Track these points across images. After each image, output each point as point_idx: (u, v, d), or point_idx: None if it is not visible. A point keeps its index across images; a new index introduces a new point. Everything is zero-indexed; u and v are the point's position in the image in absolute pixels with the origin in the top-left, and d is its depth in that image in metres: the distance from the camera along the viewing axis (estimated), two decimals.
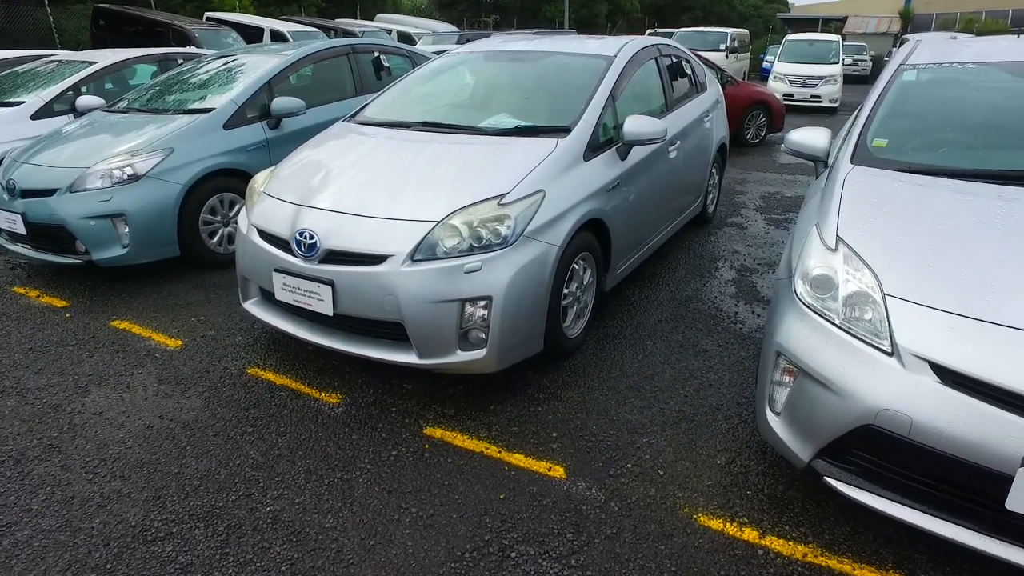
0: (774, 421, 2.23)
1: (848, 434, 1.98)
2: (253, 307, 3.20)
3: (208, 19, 14.94)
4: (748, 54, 17.73)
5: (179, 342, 3.47)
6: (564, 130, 3.22)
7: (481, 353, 2.72)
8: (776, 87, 13.27)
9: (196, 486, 2.37)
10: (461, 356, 2.71)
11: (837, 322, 2.07)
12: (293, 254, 2.86)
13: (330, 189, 2.98)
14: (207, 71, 5.06)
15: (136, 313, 3.83)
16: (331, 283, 2.74)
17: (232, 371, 3.17)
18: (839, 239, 2.25)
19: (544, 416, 2.82)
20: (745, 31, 17.91)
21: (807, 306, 2.16)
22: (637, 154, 3.60)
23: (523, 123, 3.37)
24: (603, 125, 3.41)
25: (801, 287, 2.22)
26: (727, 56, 14.93)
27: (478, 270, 2.64)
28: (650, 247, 4.08)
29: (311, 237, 2.80)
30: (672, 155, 4.12)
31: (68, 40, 15.35)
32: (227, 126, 4.44)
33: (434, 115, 3.64)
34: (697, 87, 5.01)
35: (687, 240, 5.11)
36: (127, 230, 3.96)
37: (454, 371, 2.85)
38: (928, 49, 3.46)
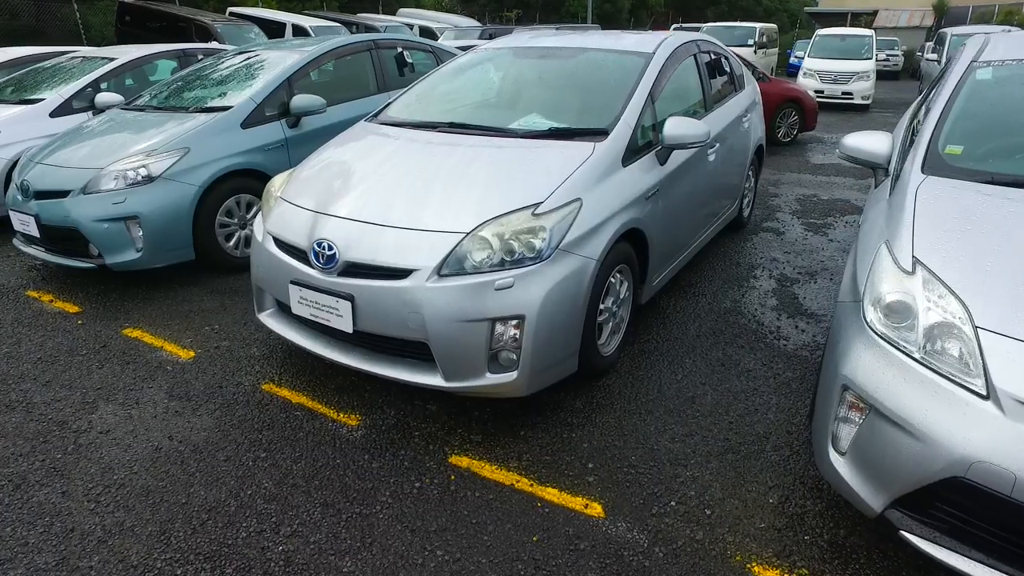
0: (838, 461, 1.98)
1: (932, 486, 1.73)
2: (268, 319, 3.02)
3: (231, 14, 14.85)
4: (776, 50, 17.25)
5: (192, 353, 3.30)
6: (601, 133, 2.98)
7: (511, 376, 2.50)
8: (806, 83, 12.83)
9: (204, 520, 2.19)
10: (490, 379, 2.50)
11: (917, 356, 1.82)
12: (311, 265, 2.67)
13: (351, 196, 2.77)
14: (226, 68, 4.88)
15: (149, 320, 3.67)
16: (351, 298, 2.54)
17: (246, 387, 2.99)
18: (916, 261, 1.99)
19: (578, 444, 2.60)
20: (773, 26, 17.42)
21: (880, 336, 1.91)
22: (677, 158, 3.35)
23: (557, 125, 3.14)
24: (642, 127, 3.16)
25: (872, 314, 1.97)
26: (755, 52, 14.50)
27: (510, 287, 2.42)
28: (687, 255, 3.83)
29: (330, 248, 2.61)
30: (711, 158, 3.86)
31: (94, 36, 15.36)
32: (245, 125, 4.26)
33: (461, 115, 3.42)
34: (735, 85, 4.73)
35: (722, 246, 4.85)
36: (140, 233, 3.80)
37: (482, 394, 2.64)
38: (1002, 44, 3.16)
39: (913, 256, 2.02)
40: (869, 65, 13.10)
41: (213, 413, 2.79)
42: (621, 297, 3.03)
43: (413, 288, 2.45)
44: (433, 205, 2.61)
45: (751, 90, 5.03)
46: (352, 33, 14.83)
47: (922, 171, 2.46)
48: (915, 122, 3.10)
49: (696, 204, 3.78)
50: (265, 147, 4.34)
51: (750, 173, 5.03)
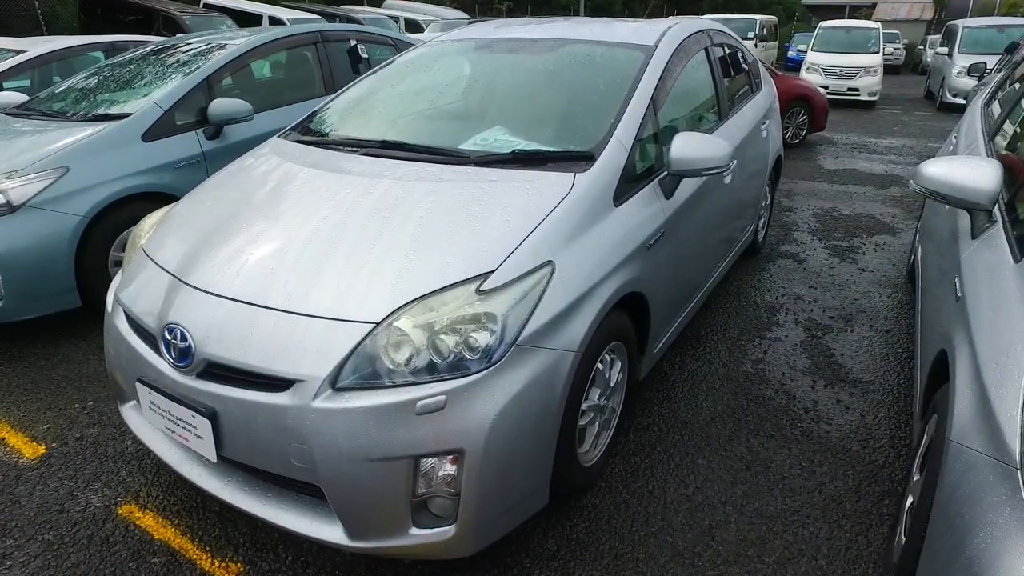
0: None
1: None
2: (130, 414, 2.14)
3: (206, 6, 13.82)
4: (776, 43, 16.31)
5: (42, 449, 2.42)
6: (585, 158, 2.10)
7: (448, 531, 1.64)
8: (809, 79, 11.90)
9: None
10: (417, 536, 1.63)
11: None
12: (164, 358, 1.80)
13: (222, 256, 1.88)
14: (136, 65, 3.96)
15: (4, 393, 2.79)
16: (212, 415, 1.67)
17: (96, 510, 2.11)
18: None
19: None
20: (773, 18, 16.46)
21: None
22: (687, 187, 2.48)
23: (524, 146, 2.26)
24: (641, 147, 2.29)
25: None
26: (755, 45, 13.57)
27: (440, 408, 1.55)
28: (698, 302, 2.96)
29: (183, 338, 1.73)
30: (727, 179, 2.99)
31: (62, 28, 14.31)
32: (148, 136, 3.36)
33: (399, 131, 2.52)
34: (752, 85, 3.84)
35: (735, 278, 3.98)
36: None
37: (408, 556, 1.78)
38: None
39: None
40: (876, 59, 12.17)
41: (32, 561, 1.92)
42: (613, 384, 2.16)
43: (295, 408, 1.58)
44: (333, 275, 1.72)
45: (768, 91, 4.14)
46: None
47: None
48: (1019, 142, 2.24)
49: (709, 239, 2.91)
50: (175, 164, 3.44)
51: (767, 190, 4.15)
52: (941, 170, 1.98)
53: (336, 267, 1.74)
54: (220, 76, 3.73)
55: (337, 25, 5.05)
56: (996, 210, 1.92)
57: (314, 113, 2.82)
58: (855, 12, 24.91)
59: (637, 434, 2.50)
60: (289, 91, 4.12)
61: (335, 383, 1.58)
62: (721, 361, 3.03)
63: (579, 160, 2.09)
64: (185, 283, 1.84)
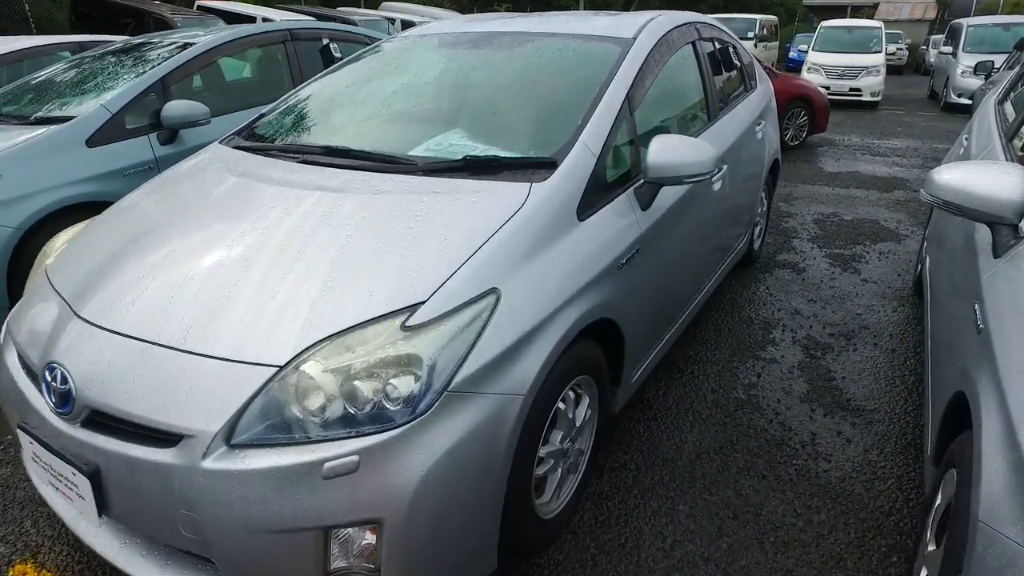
0: None
1: None
2: (24, 453, 1.88)
3: (199, 7, 13.61)
4: (777, 43, 15.98)
5: None
6: (546, 164, 1.81)
7: None
8: (810, 79, 11.58)
9: None
10: None
11: None
12: (46, 402, 1.53)
13: (121, 281, 1.60)
14: (91, 65, 3.68)
15: None
16: (94, 473, 1.40)
17: None
18: None
19: None
20: (774, 18, 16.13)
21: None
22: (668, 195, 2.19)
23: (480, 151, 1.97)
24: (615, 151, 2.00)
25: None
26: (756, 45, 13.26)
27: (353, 471, 1.28)
28: (684, 321, 2.67)
29: (64, 380, 1.46)
30: (716, 186, 2.69)
31: (57, 31, 14.11)
32: (93, 141, 3.09)
33: (347, 135, 2.24)
34: (747, 83, 3.55)
35: (729, 291, 3.68)
36: None
37: None
38: None
39: None
40: (879, 59, 11.82)
41: None
42: (579, 424, 1.88)
43: (182, 469, 1.30)
44: (239, 307, 1.44)
45: (764, 89, 3.84)
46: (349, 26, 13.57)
47: None
48: None
49: (696, 252, 2.62)
50: (125, 171, 3.17)
51: (763, 195, 3.86)
52: (957, 178, 1.69)
53: (244, 297, 1.46)
54: (177, 77, 3.45)
55: (308, 22, 4.78)
56: None
57: (261, 115, 2.55)
58: (857, 12, 24.50)
59: (612, 474, 2.21)
60: (255, 93, 3.85)
61: (230, 438, 1.30)
62: (710, 386, 2.74)
63: (539, 167, 1.80)
64: (76, 314, 1.56)
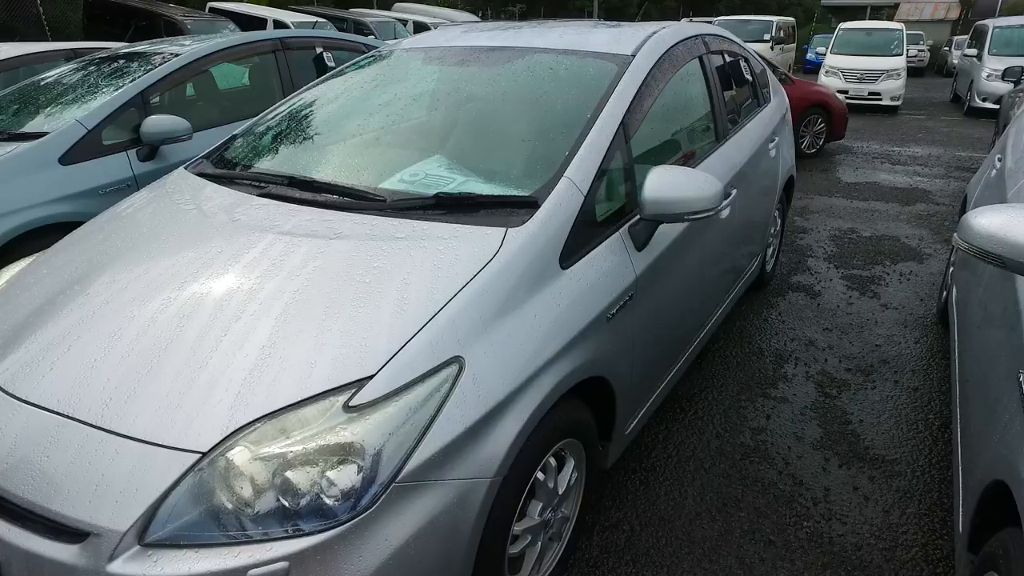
0: None
1: None
2: None
3: (211, 10, 13.55)
4: (794, 46, 15.59)
5: None
6: (525, 204, 1.61)
7: None
8: (828, 83, 11.24)
9: None
10: None
11: None
12: None
13: (42, 340, 1.42)
14: (72, 76, 3.54)
15: None
16: None
17: None
18: None
19: None
20: (791, 19, 15.73)
21: None
22: (667, 230, 1.98)
23: (456, 186, 1.77)
24: (607, 185, 1.79)
25: None
26: (772, 48, 12.92)
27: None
28: (686, 361, 2.46)
29: None
30: (724, 213, 2.47)
31: (73, 34, 14.15)
32: (67, 159, 2.94)
33: (316, 163, 2.05)
34: (759, 96, 3.31)
35: (738, 319, 3.45)
36: None
37: None
38: None
39: None
40: (899, 62, 11.44)
41: None
42: (562, 491, 1.67)
43: (85, 572, 1.12)
44: (165, 377, 1.25)
45: (779, 103, 3.60)
46: (340, 30, 13.43)
47: None
48: None
49: (701, 287, 2.40)
50: (101, 190, 3.02)
51: (777, 214, 3.62)
52: (999, 224, 1.45)
53: (172, 364, 1.27)
54: (158, 89, 3.30)
55: (301, 31, 4.62)
56: None
57: (233, 137, 2.38)
58: (876, 13, 23.93)
59: (602, 534, 2.00)
60: (244, 105, 3.68)
61: (143, 536, 1.12)
62: (715, 430, 2.52)
63: (518, 207, 1.60)
64: None
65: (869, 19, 21.13)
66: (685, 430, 2.51)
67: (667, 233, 1.97)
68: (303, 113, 2.34)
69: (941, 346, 3.17)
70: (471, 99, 2.17)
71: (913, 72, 18.44)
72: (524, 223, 1.52)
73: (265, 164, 2.08)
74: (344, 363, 1.21)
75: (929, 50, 19.36)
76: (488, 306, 1.36)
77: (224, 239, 1.58)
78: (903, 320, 3.45)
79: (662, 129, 2.22)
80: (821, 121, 7.54)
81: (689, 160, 2.33)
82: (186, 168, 2.19)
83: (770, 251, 3.74)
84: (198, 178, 2.05)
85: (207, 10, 13.51)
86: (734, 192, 2.54)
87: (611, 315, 1.67)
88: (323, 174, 1.90)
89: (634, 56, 2.12)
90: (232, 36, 3.80)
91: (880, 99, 11.32)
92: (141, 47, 3.78)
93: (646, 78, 2.07)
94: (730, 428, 2.53)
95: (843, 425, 2.56)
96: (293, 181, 1.87)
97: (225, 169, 2.10)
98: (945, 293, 3.37)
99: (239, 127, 2.46)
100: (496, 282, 1.39)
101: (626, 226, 1.81)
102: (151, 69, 3.31)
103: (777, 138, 3.35)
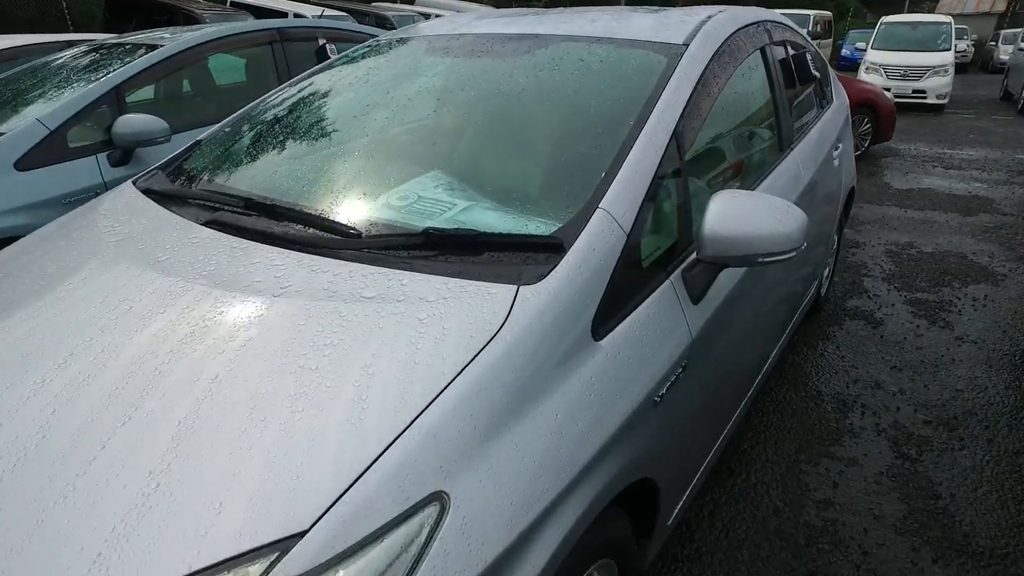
0: None
1: None
2: None
3: (233, 4, 13.27)
4: (830, 41, 14.82)
5: None
6: (547, 247, 1.16)
7: None
8: (869, 79, 10.53)
9: None
10: None
11: None
12: None
13: None
14: (42, 71, 3.17)
15: None
16: None
17: None
18: None
19: None
20: (828, 14, 14.95)
21: None
22: (726, 281, 1.51)
23: (454, 213, 1.33)
24: (655, 215, 1.34)
25: None
26: None
27: None
28: (737, 420, 1.99)
29: None
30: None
31: (96, 30, 14.02)
32: (25, 163, 2.56)
33: (284, 180, 1.62)
34: (824, 97, 2.81)
35: (790, 353, 2.96)
36: None
37: None
38: None
39: None
40: (947, 57, 10.67)
41: None
42: None
43: None
44: (56, 519, 0.85)
45: (841, 103, 3.09)
46: (361, 24, 13.02)
47: None
48: None
49: (758, 334, 1.93)
50: (66, 198, 2.64)
51: (835, 232, 3.12)
52: None
53: (9, 508, 0.86)
54: (135, 85, 2.91)
55: (300, 21, 4.22)
56: None
57: (197, 143, 1.96)
58: (916, 6, 22.82)
59: None
60: (235, 103, 3.28)
61: None
62: (771, 503, 2.05)
63: (537, 250, 1.16)
64: None
65: (909, 12, 20.12)
66: (736, 502, 2.05)
67: (725, 284, 1.51)
68: (279, 116, 1.91)
69: None
70: (480, 99, 1.72)
71: (957, 68, 17.49)
72: (544, 278, 1.07)
73: (222, 180, 1.66)
74: (264, 509, 0.79)
75: (973, 45, 18.34)
76: (487, 410, 0.92)
77: (134, 291, 1.16)
78: (986, 358, 2.93)
79: (723, 140, 1.75)
80: (867, 121, 6.93)
81: (753, 177, 1.85)
82: (133, 182, 1.79)
83: (825, 272, 3.24)
84: (141, 196, 1.64)
85: (228, 4, 13.23)
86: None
87: (660, 396, 1.22)
88: (289, 196, 1.47)
89: (687, 45, 1.65)
90: (223, 26, 3.40)
91: (925, 97, 10.57)
92: (124, 38, 3.40)
93: (703, 73, 1.61)
94: (790, 501, 2.06)
95: (931, 500, 2.07)
96: (249, 204, 1.44)
97: (176, 185, 1.69)
98: None
99: (210, 131, 2.04)
100: (500, 372, 0.95)
101: (679, 270, 1.35)
102: (129, 62, 2.93)
103: (841, 144, 2.85)
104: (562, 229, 1.17)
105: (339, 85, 1.98)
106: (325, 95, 1.95)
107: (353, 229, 1.28)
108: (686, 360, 1.30)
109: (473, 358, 0.94)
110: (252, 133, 1.86)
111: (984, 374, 2.79)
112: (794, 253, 1.33)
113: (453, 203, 1.38)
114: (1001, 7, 21.18)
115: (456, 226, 1.28)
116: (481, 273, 1.10)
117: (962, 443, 2.35)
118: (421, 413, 0.87)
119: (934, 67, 10.51)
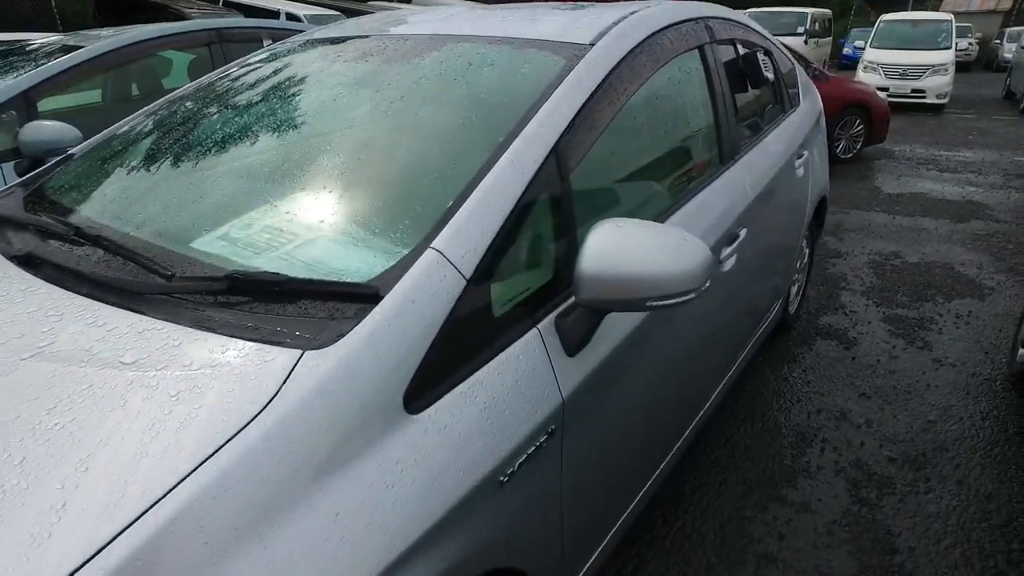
0: None
1: None
2: None
3: (226, 3, 13.11)
4: (830, 39, 14.47)
5: None
6: (364, 297, 0.94)
7: None
8: (867, 79, 10.21)
9: None
10: None
11: None
12: None
13: None
14: None
15: None
16: None
17: None
18: None
19: None
20: (827, 11, 14.58)
21: None
22: (627, 320, 1.29)
23: (287, 250, 1.12)
24: (520, 249, 1.12)
25: None
26: (806, 42, 11.90)
27: None
28: (667, 466, 1.76)
29: None
30: (729, 263, 1.77)
31: (86, 27, 13.91)
32: None
33: (127, 204, 1.38)
34: (785, 100, 2.57)
35: (748, 378, 2.73)
36: None
37: None
38: None
39: None
40: (947, 56, 10.33)
41: None
42: None
43: None
44: None
45: (810, 107, 2.84)
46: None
47: None
48: None
49: (693, 367, 1.69)
50: None
51: (804, 244, 2.88)
52: None
53: None
54: (48, 89, 2.71)
55: (242, 20, 4.00)
56: None
57: (68, 156, 1.76)
58: (920, 3, 22.35)
59: None
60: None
61: None
62: (706, 558, 1.82)
63: (351, 300, 0.94)
64: None
65: (912, 10, 19.70)
66: (665, 556, 1.82)
67: (621, 329, 1.28)
68: (141, 132, 1.70)
69: (1019, 426, 2.40)
70: (349, 114, 1.49)
71: (959, 67, 17.07)
72: (336, 342, 0.85)
73: (64, 204, 1.44)
74: None
75: (978, 43, 17.90)
76: (226, 519, 0.70)
77: None
78: (964, 383, 2.68)
79: (633, 155, 1.52)
80: (859, 123, 6.65)
81: (676, 197, 1.62)
82: None
83: (794, 289, 3.00)
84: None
85: (220, 3, 13.06)
86: (744, 230, 1.84)
87: (507, 475, 0.99)
88: (121, 226, 1.25)
89: (592, 45, 1.43)
90: (155, 26, 3.19)
91: (924, 97, 10.24)
92: (49, 38, 3.21)
93: (607, 77, 1.38)
94: (727, 556, 1.83)
95: (886, 555, 1.84)
96: (80, 233, 1.23)
97: (23, 207, 1.48)
98: (1020, 350, 2.60)
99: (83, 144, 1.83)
100: (253, 466, 0.73)
101: (551, 316, 1.13)
102: (42, 65, 2.73)
103: (807, 152, 2.60)
104: (382, 275, 0.95)
105: (210, 97, 1.76)
106: (196, 109, 1.73)
107: (166, 270, 1.07)
108: (552, 426, 1.08)
109: (222, 445, 0.72)
110: (107, 152, 1.65)
111: (960, 402, 2.55)
112: (693, 295, 1.10)
113: (294, 235, 1.16)
114: (1006, 4, 20.68)
115: (283, 265, 1.06)
116: (271, 332, 0.88)
117: (928, 485, 2.11)
118: (128, 527, 0.66)
119: (934, 66, 10.18)
